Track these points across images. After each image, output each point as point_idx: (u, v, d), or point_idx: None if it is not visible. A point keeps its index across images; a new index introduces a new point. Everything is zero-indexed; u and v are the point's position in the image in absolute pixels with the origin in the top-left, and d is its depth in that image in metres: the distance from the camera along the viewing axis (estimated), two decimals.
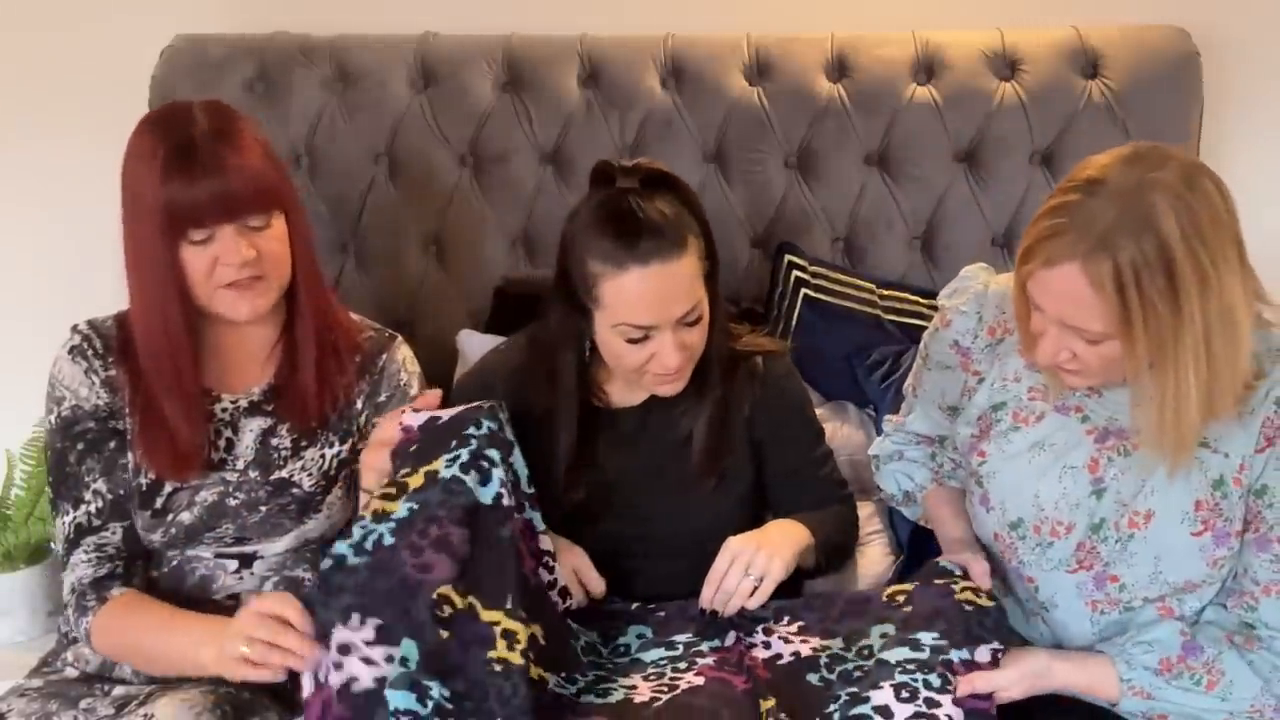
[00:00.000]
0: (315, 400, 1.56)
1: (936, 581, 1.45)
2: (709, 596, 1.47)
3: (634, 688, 1.44)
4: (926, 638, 1.39)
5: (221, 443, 1.55)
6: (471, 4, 2.22)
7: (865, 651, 1.42)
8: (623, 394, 1.62)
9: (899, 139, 2.09)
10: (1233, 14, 2.13)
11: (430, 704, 1.27)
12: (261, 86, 2.14)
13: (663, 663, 1.48)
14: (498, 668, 1.31)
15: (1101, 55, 2.05)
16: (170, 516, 1.51)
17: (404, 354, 1.66)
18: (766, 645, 1.48)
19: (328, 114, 2.14)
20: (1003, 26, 2.10)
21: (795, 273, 2.05)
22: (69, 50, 2.28)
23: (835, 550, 1.62)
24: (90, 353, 1.55)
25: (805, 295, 2.03)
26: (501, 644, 1.33)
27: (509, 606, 1.35)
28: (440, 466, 1.39)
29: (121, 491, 1.52)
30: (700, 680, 1.43)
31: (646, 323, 1.45)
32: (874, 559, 1.84)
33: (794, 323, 2.03)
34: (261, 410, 1.58)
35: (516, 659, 1.32)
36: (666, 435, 1.60)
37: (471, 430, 1.42)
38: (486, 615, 1.34)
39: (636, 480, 1.59)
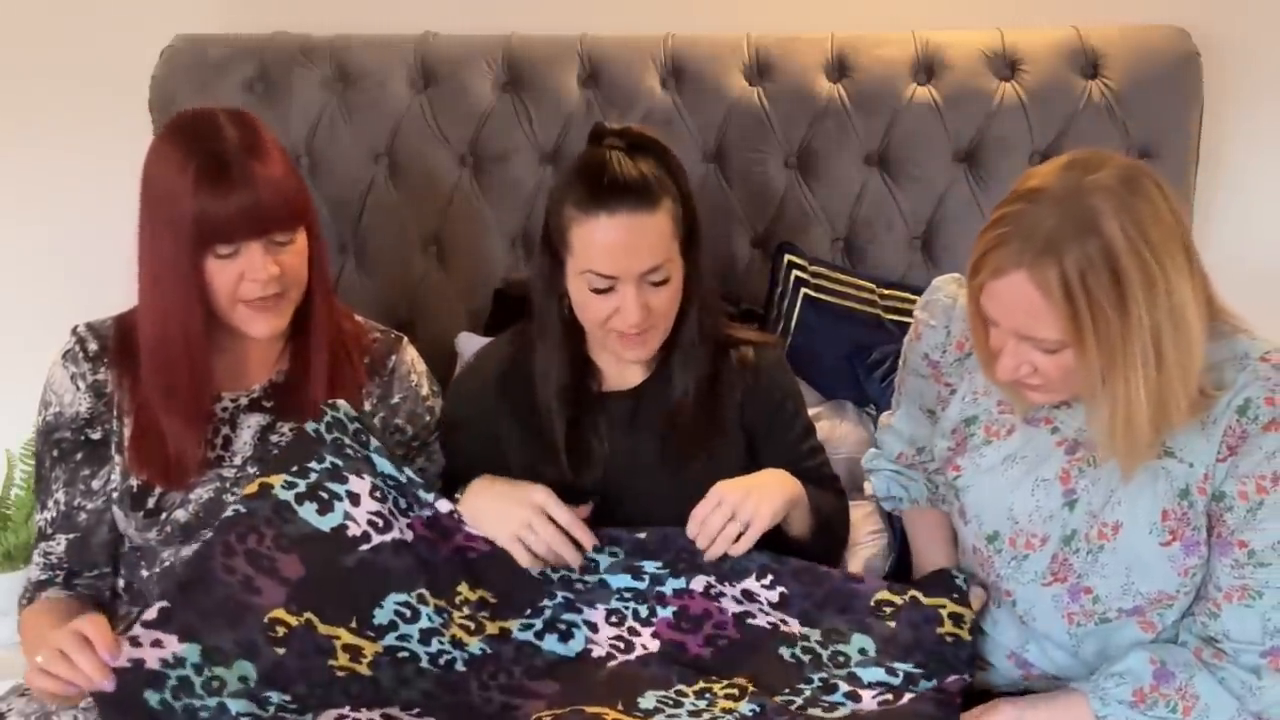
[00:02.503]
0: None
1: (926, 602, 1.45)
2: (692, 532, 1.48)
3: (595, 629, 1.48)
4: (902, 667, 1.42)
5: (219, 440, 1.55)
6: (471, 4, 2.22)
7: (840, 659, 1.44)
8: (616, 375, 1.63)
9: (899, 139, 2.09)
10: (1233, 14, 2.13)
11: (271, 709, 1.34)
12: (261, 86, 2.14)
13: (627, 595, 1.51)
14: (340, 673, 1.39)
15: (1101, 55, 2.05)
16: (164, 516, 1.52)
17: (411, 355, 1.70)
18: (738, 600, 1.49)
19: (328, 114, 2.14)
20: (1003, 26, 2.10)
21: (795, 272, 2.05)
22: (69, 50, 2.28)
23: (826, 527, 1.62)
24: (81, 356, 1.56)
25: (805, 295, 2.03)
26: (344, 656, 1.40)
27: (353, 625, 1.41)
28: (277, 484, 1.45)
29: (76, 503, 1.54)
30: (655, 645, 1.47)
31: (609, 272, 1.48)
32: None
33: (794, 322, 2.03)
34: (261, 407, 1.58)
35: (364, 669, 1.40)
36: (656, 421, 1.61)
37: (313, 464, 1.46)
38: (325, 630, 1.40)
39: (629, 466, 1.60)
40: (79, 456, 1.55)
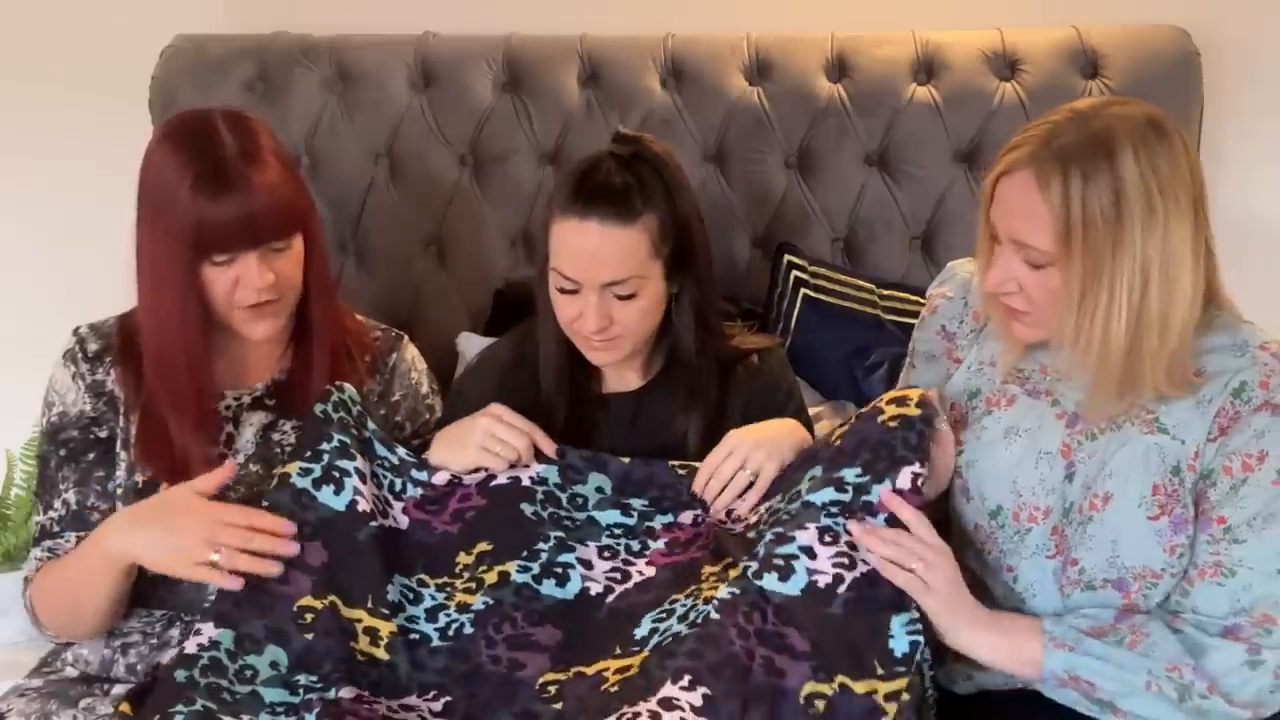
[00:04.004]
0: None
1: (864, 410, 1.48)
2: (702, 483, 1.50)
3: (589, 565, 1.49)
4: (850, 474, 1.42)
5: (222, 438, 1.56)
6: (471, 4, 2.23)
7: (794, 495, 1.45)
8: (615, 377, 1.64)
9: (899, 139, 2.09)
10: (1233, 14, 2.13)
11: (301, 690, 1.36)
12: (261, 86, 2.14)
13: (618, 532, 1.52)
14: (361, 658, 1.40)
15: (1101, 55, 2.05)
16: None
17: (412, 353, 1.71)
18: (729, 527, 1.50)
19: (328, 114, 2.14)
20: (1003, 26, 2.10)
21: (795, 273, 2.05)
22: (69, 50, 2.28)
23: None
24: (81, 357, 1.56)
25: (805, 295, 2.03)
26: (364, 639, 1.42)
27: (370, 606, 1.43)
28: (294, 472, 1.47)
29: (89, 502, 1.53)
30: (651, 571, 1.48)
31: (572, 276, 1.50)
32: None
33: (793, 323, 2.03)
34: (263, 405, 1.59)
35: (381, 653, 1.41)
36: (660, 432, 1.61)
37: (324, 445, 1.48)
38: (347, 613, 1.42)
39: None
40: (91, 456, 1.55)
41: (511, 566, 1.49)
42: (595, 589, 1.48)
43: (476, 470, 1.54)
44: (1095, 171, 1.27)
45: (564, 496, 1.55)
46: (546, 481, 1.54)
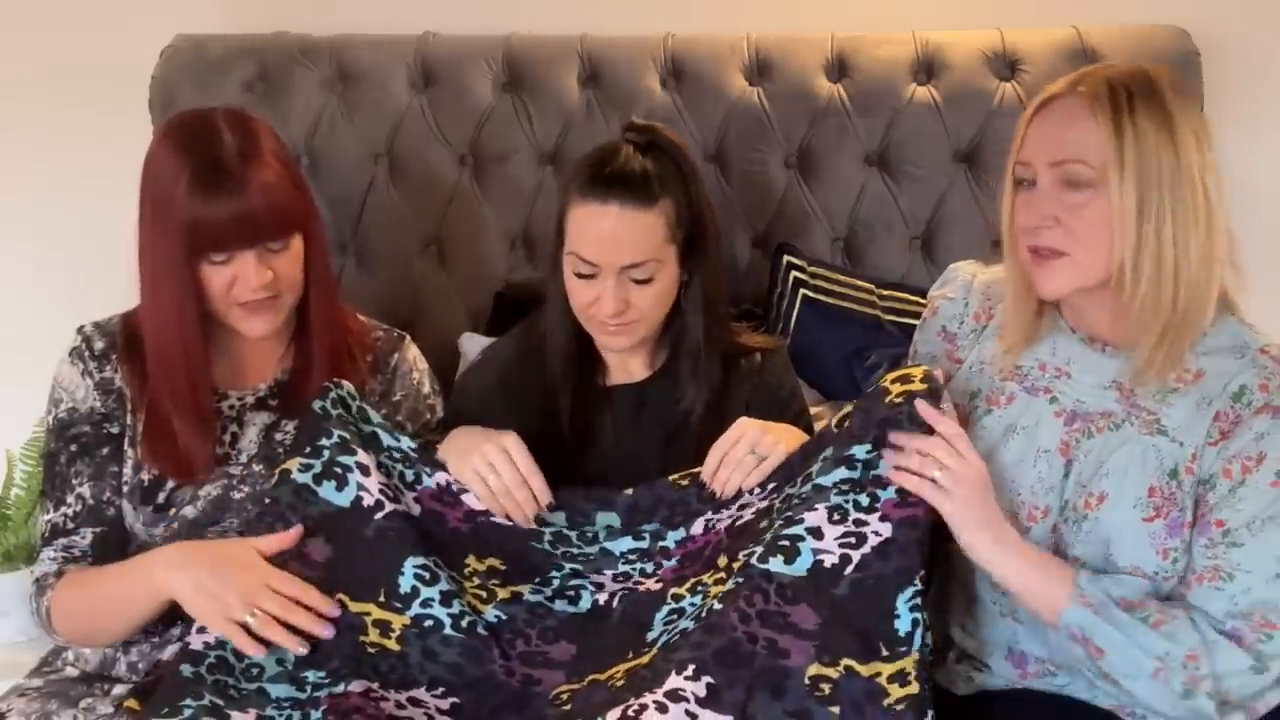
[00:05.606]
0: None
1: (868, 391, 1.47)
2: (713, 465, 1.50)
3: (601, 588, 1.50)
4: (859, 451, 1.42)
5: (226, 437, 1.56)
6: (471, 4, 2.23)
7: (805, 477, 1.45)
8: (620, 369, 1.65)
9: (899, 139, 2.09)
10: (1233, 14, 2.13)
11: (309, 688, 1.36)
12: (261, 86, 2.14)
13: (632, 557, 1.52)
14: (371, 649, 1.41)
15: (1101, 55, 2.05)
16: (173, 511, 1.52)
17: (414, 353, 1.71)
18: (737, 520, 1.50)
19: (328, 114, 2.14)
20: (1003, 26, 2.10)
21: (794, 273, 2.05)
22: (69, 50, 2.28)
23: None
24: (88, 355, 1.56)
25: (804, 295, 2.03)
26: (374, 632, 1.41)
27: (381, 600, 1.43)
28: (294, 467, 1.47)
29: (105, 496, 1.53)
30: (658, 587, 1.49)
31: (592, 259, 1.51)
32: None
33: (793, 323, 2.03)
34: (266, 406, 1.59)
35: (392, 644, 1.41)
36: (664, 420, 1.62)
37: (323, 441, 1.48)
38: (356, 607, 1.42)
39: (632, 456, 1.62)
40: (105, 451, 1.55)
41: (525, 589, 1.49)
42: (603, 598, 1.49)
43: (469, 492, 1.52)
44: (1142, 91, 1.31)
45: (574, 534, 1.54)
46: (554, 524, 1.53)
